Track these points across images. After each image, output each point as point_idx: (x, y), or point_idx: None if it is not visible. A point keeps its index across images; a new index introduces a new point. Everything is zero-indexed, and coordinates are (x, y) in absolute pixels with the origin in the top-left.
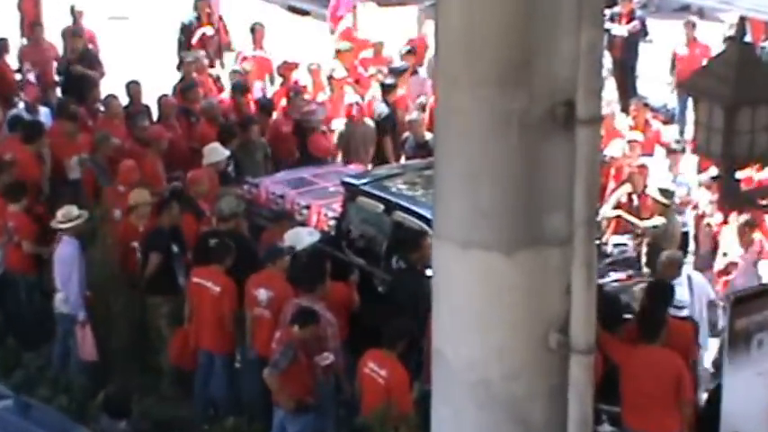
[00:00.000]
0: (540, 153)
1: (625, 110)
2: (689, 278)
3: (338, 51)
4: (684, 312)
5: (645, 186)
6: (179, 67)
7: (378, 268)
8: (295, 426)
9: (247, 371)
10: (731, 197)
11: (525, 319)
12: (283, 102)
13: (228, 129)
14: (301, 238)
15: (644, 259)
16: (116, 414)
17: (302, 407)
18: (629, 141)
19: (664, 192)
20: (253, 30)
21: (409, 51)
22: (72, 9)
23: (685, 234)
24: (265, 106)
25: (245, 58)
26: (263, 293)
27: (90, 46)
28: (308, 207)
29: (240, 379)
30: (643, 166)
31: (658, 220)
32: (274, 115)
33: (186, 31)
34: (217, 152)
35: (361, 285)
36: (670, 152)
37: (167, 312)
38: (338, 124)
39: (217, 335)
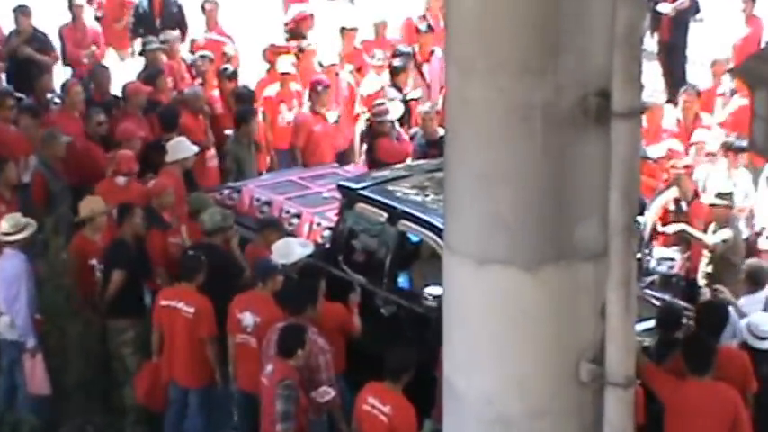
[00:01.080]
0: (568, 152)
1: (672, 100)
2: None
3: (343, 30)
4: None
5: (695, 191)
6: (142, 53)
7: (380, 287)
8: None
9: (227, 407)
10: None
11: (551, 347)
12: (270, 90)
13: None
14: (292, 250)
15: (703, 279)
16: None
17: None
18: (693, 143)
19: (723, 195)
20: (203, 9)
21: (428, 28)
22: None
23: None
24: (242, 97)
25: (197, 46)
26: (248, 318)
27: (94, 47)
28: (298, 215)
29: (219, 418)
30: (689, 167)
31: (726, 233)
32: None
33: (140, 15)
34: (183, 147)
35: (361, 306)
36: (727, 150)
37: (132, 339)
38: (329, 118)
39: (192, 365)
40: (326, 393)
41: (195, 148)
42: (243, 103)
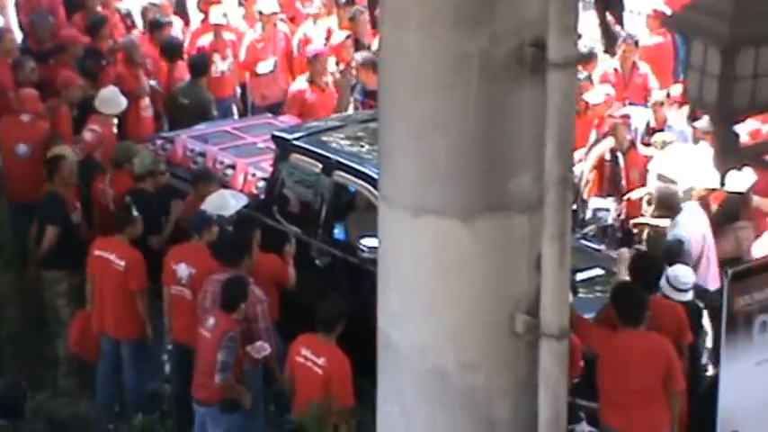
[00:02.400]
0: (503, 102)
1: (609, 51)
2: None
3: None
4: (689, 296)
5: (631, 140)
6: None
7: (315, 238)
8: (218, 426)
9: (158, 360)
10: (728, 153)
11: (486, 298)
12: (204, 41)
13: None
14: (226, 203)
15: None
16: (5, 414)
17: (227, 405)
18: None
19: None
20: None
21: None
22: None
23: None
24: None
25: None
26: (183, 269)
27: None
28: (232, 166)
29: (151, 369)
30: (627, 116)
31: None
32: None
33: None
34: (114, 101)
35: (296, 257)
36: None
37: (67, 290)
38: (264, 68)
39: (122, 318)
40: (263, 349)
41: (125, 102)
42: (169, 54)
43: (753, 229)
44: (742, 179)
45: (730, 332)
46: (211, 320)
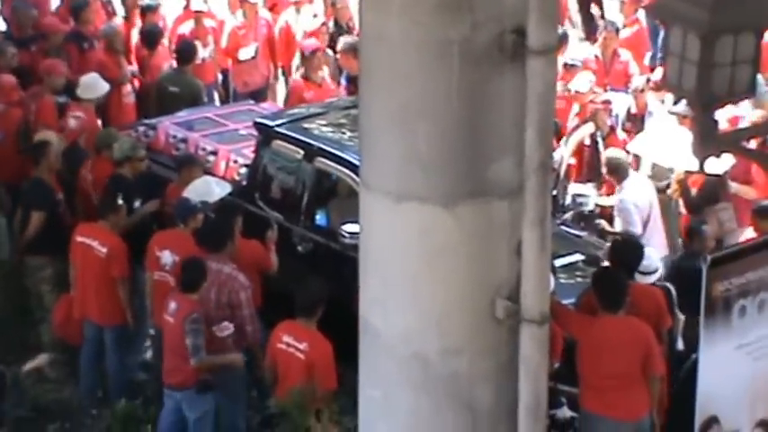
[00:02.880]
0: (484, 89)
1: (590, 38)
2: None
3: None
4: (653, 278)
5: (611, 126)
6: None
7: (297, 224)
8: (195, 409)
9: (139, 346)
10: (707, 140)
11: (468, 284)
12: (184, 28)
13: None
14: (211, 189)
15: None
16: None
17: (202, 386)
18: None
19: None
20: None
21: None
22: None
23: None
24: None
25: None
26: (167, 256)
27: None
28: (214, 152)
29: (134, 355)
30: (607, 102)
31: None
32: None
33: None
34: (96, 86)
35: (278, 244)
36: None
37: (51, 275)
38: (245, 55)
39: (105, 304)
40: (226, 328)
41: (106, 86)
42: (150, 41)
43: (733, 210)
44: (719, 162)
45: (709, 317)
46: (173, 305)
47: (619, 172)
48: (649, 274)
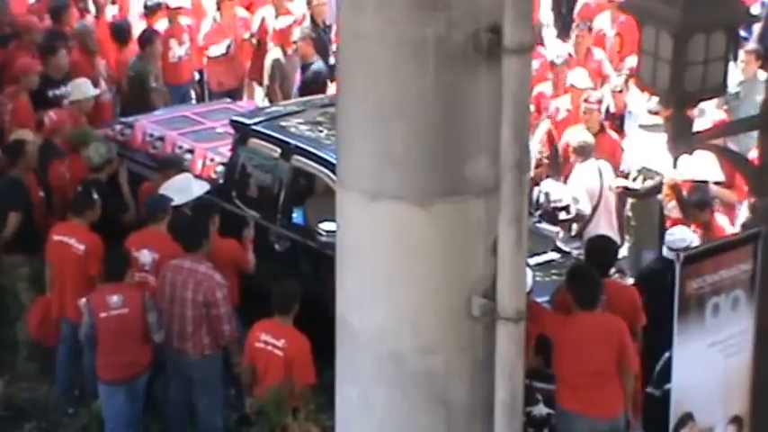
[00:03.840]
0: (460, 88)
1: (562, 36)
2: None
3: None
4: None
5: (601, 124)
6: None
7: (274, 223)
8: (111, 401)
9: None
10: (681, 138)
11: (443, 282)
12: (160, 26)
13: None
14: (190, 187)
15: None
16: None
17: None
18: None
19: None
20: None
21: None
22: None
23: None
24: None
25: None
26: (146, 255)
27: None
28: (191, 151)
29: None
30: (600, 101)
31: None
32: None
33: None
34: (82, 88)
35: (255, 242)
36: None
37: (28, 274)
38: (216, 51)
39: None
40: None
41: (94, 91)
42: (120, 37)
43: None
44: (709, 168)
45: (683, 315)
46: (115, 298)
47: (583, 153)
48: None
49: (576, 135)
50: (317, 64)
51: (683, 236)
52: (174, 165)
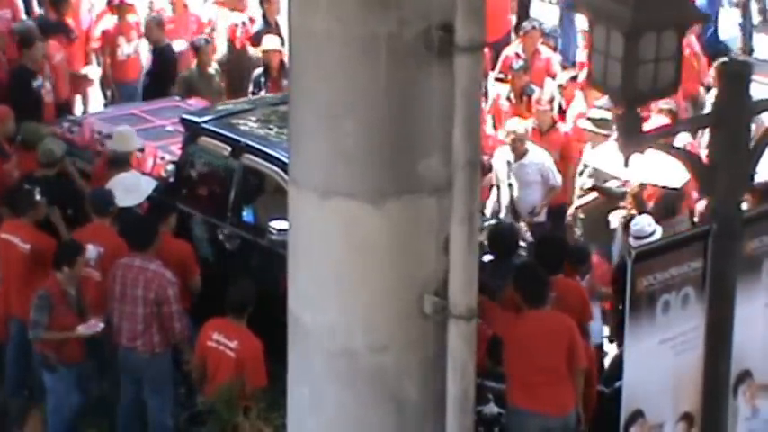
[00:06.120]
0: (411, 85)
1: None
2: None
3: None
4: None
5: (553, 120)
6: None
7: (224, 221)
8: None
9: None
10: (631, 137)
11: (395, 280)
12: (108, 23)
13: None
14: (139, 183)
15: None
16: None
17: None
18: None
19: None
20: None
21: None
22: None
23: None
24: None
25: None
26: (91, 250)
27: None
28: (141, 149)
29: None
30: (552, 101)
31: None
32: None
33: None
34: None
35: (206, 241)
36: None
37: None
38: (180, 46)
39: (29, 301)
40: (93, 326)
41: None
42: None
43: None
44: (677, 175)
45: (633, 312)
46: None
47: (522, 142)
48: (643, 238)
49: (511, 125)
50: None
51: (648, 224)
52: (124, 162)
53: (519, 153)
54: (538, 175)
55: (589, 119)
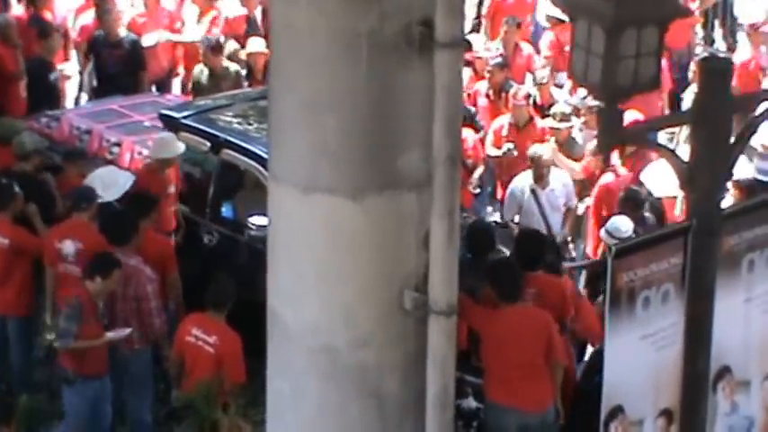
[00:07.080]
0: (392, 81)
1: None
2: None
3: None
4: None
5: (530, 115)
6: None
7: (203, 217)
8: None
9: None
10: (612, 132)
11: (376, 275)
12: (87, 18)
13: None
14: (116, 178)
15: None
16: None
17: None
18: None
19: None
20: None
21: None
22: None
23: None
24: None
25: None
26: (69, 246)
27: None
28: (119, 144)
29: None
30: (528, 96)
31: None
32: None
33: None
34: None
35: (185, 236)
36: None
37: None
38: (149, 41)
39: (8, 295)
40: (122, 332)
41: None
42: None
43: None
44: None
45: (614, 307)
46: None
47: (549, 168)
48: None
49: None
50: (129, 37)
51: (622, 224)
52: (79, 157)
53: (542, 178)
54: (564, 198)
55: (550, 114)
